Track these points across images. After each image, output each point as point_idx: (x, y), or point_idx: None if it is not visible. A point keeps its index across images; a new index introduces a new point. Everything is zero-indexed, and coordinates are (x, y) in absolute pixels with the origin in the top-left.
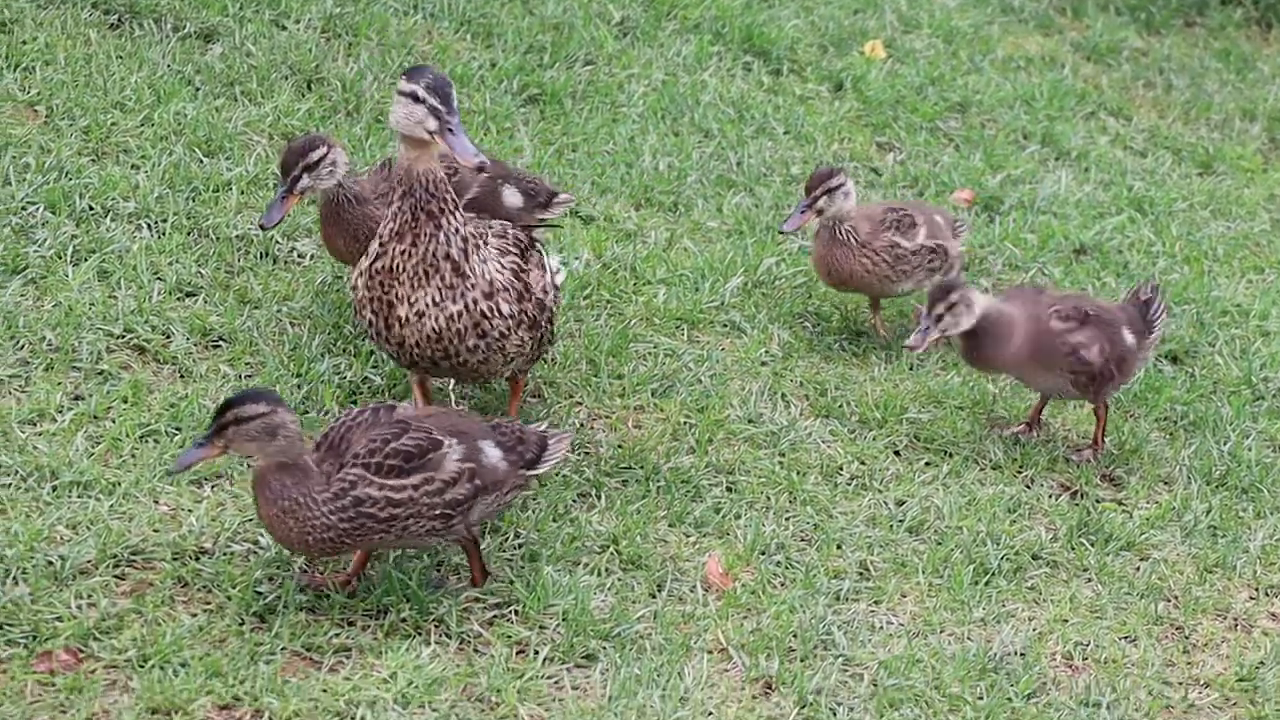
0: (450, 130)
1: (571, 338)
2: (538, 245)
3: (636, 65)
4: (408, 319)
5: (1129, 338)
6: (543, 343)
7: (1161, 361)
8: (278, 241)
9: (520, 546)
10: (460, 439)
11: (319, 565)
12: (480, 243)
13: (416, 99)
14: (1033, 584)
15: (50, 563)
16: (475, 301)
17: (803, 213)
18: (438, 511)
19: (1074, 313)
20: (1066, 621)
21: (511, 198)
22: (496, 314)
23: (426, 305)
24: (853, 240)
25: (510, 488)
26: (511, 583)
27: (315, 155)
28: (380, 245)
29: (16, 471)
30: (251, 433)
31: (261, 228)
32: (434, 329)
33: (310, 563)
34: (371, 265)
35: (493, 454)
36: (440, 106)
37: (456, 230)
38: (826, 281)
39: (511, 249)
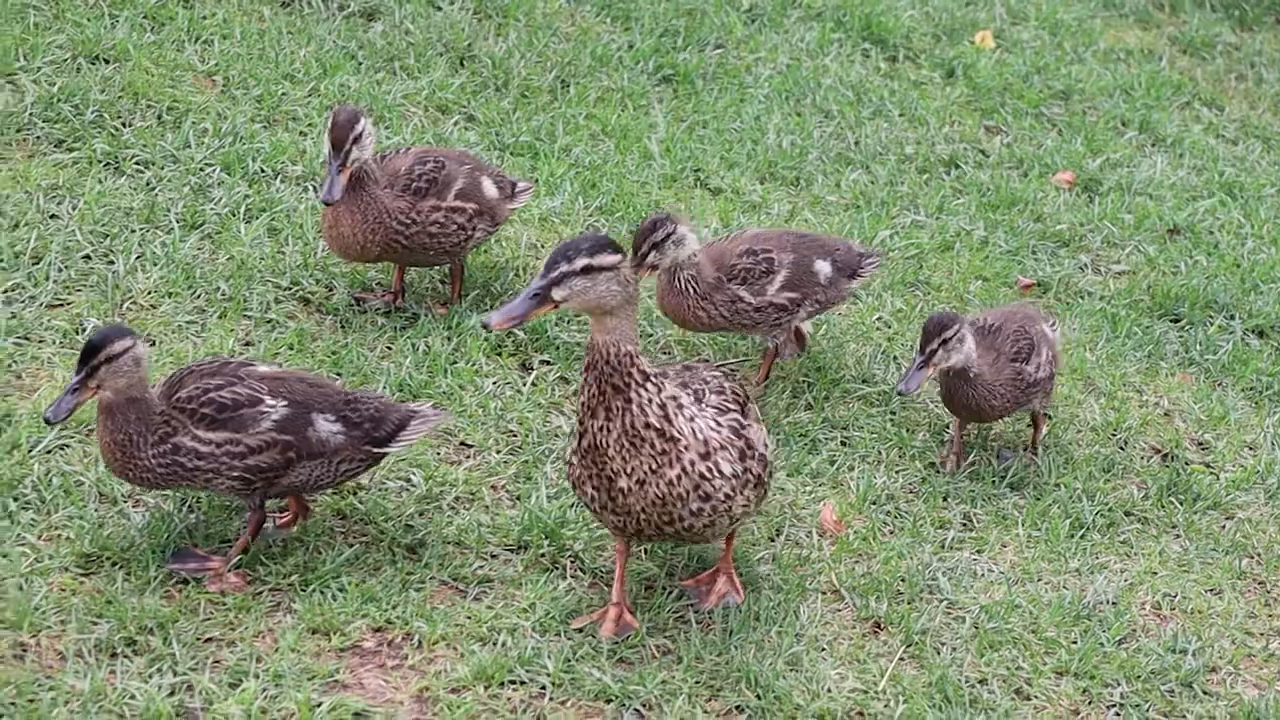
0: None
1: None
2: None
3: (763, 49)
4: (630, 489)
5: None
6: (764, 499)
7: (1249, 335)
8: None
9: None
10: (291, 405)
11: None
12: (684, 401)
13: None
14: (1124, 538)
15: None
16: (693, 463)
17: (636, 268)
18: (236, 474)
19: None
20: (1155, 574)
21: (489, 188)
22: (717, 474)
23: (645, 473)
24: (691, 290)
25: (345, 459)
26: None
27: (360, 128)
28: (580, 424)
29: None
30: (122, 368)
31: (325, 203)
32: (657, 495)
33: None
34: (579, 445)
35: (326, 426)
36: (546, 270)
37: (650, 400)
38: (675, 324)
39: (731, 405)
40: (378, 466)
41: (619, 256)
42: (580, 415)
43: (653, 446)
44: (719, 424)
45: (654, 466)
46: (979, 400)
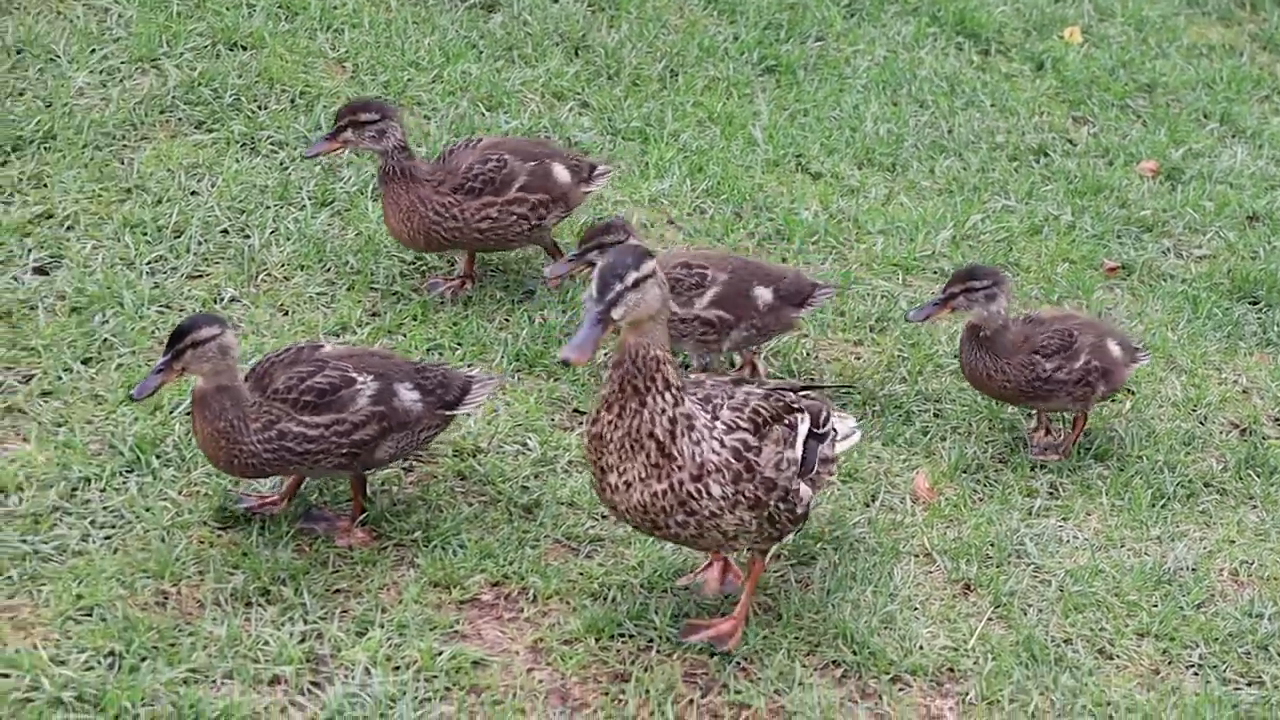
0: (584, 317)
1: None
2: (795, 417)
3: (861, 42)
4: (617, 487)
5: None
6: (778, 521)
7: None
8: None
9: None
10: (377, 379)
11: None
12: (696, 423)
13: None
14: (1204, 508)
15: None
16: (681, 483)
17: (570, 262)
18: (344, 450)
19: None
20: (1234, 542)
21: (561, 174)
22: (705, 495)
23: (634, 478)
24: None
25: (426, 428)
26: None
27: (365, 115)
28: (595, 410)
29: None
30: (207, 354)
31: (305, 156)
32: (640, 502)
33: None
34: (589, 429)
35: (407, 395)
36: (594, 293)
37: (664, 410)
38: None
39: (744, 424)
40: (444, 431)
41: (654, 261)
42: (597, 404)
43: (648, 456)
44: (722, 444)
45: (643, 475)
46: (985, 368)
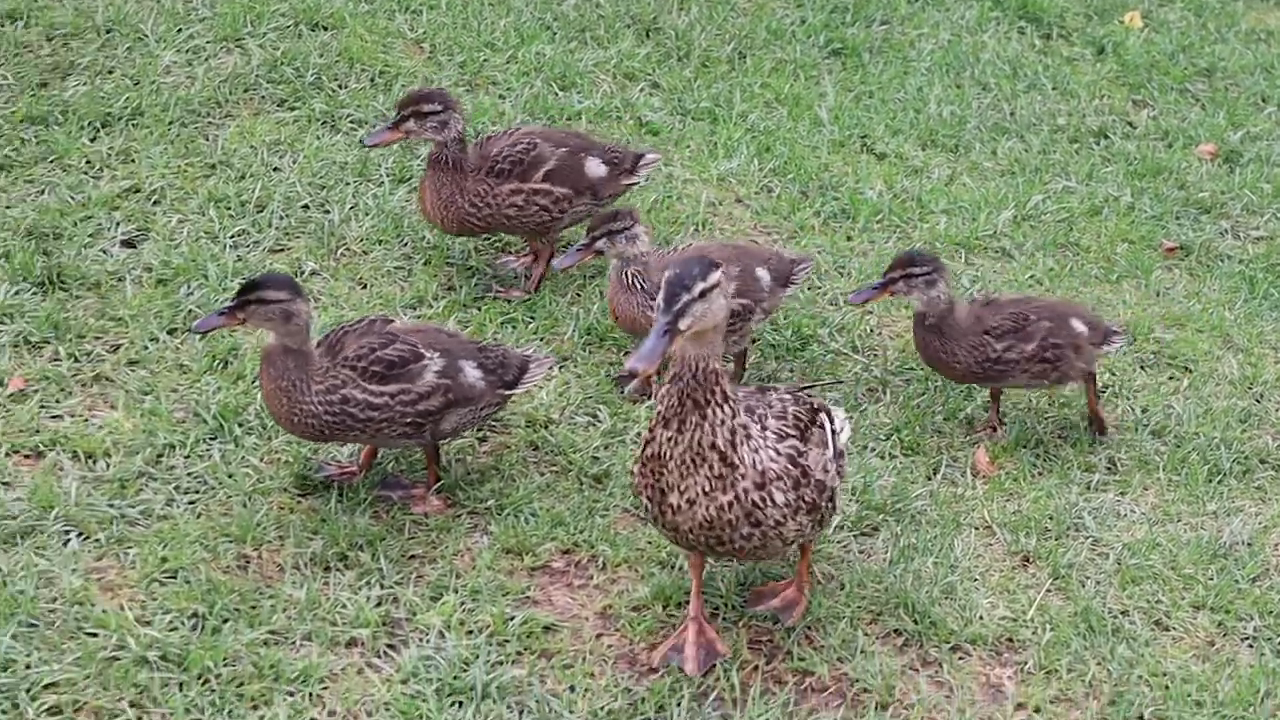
0: (652, 329)
1: (864, 255)
2: (820, 416)
3: (925, 26)
4: (679, 506)
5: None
6: (825, 521)
7: None
8: None
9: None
10: (444, 354)
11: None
12: (752, 432)
13: (660, 285)
14: (1259, 484)
15: None
16: (746, 492)
17: (579, 250)
18: (409, 419)
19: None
20: None
21: (595, 168)
22: (770, 503)
23: (697, 494)
24: (638, 286)
25: (486, 404)
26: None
27: (428, 106)
28: (650, 431)
29: None
30: (269, 314)
31: (362, 143)
32: (705, 518)
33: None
34: (643, 453)
35: (471, 372)
36: (662, 303)
37: (724, 421)
38: (615, 321)
39: (791, 431)
40: (502, 409)
41: (720, 270)
42: (652, 423)
43: (711, 469)
44: (778, 452)
45: (707, 489)
46: (937, 350)
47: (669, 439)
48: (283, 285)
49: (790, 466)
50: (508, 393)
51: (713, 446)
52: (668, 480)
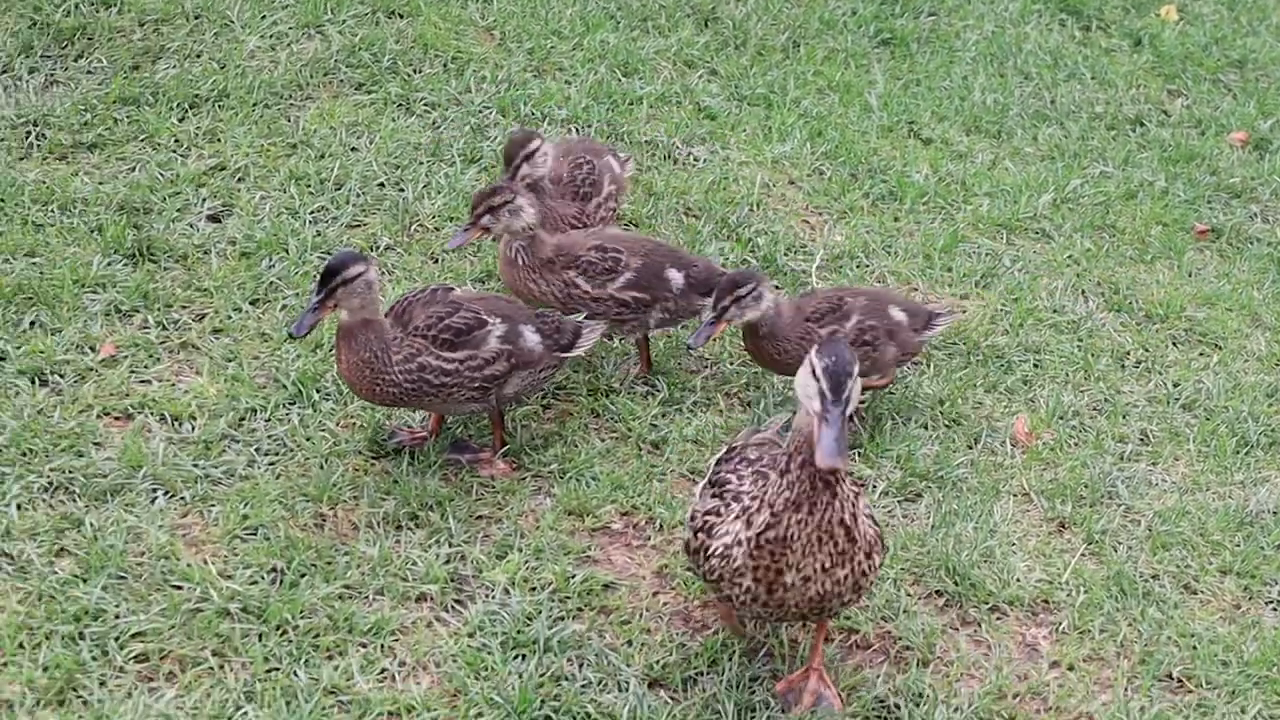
0: (827, 420)
1: (910, 235)
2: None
3: (971, 17)
4: (793, 584)
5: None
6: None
7: None
8: (677, 146)
9: (864, 404)
10: (505, 321)
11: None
12: (860, 503)
13: (814, 375)
14: None
15: None
16: (859, 563)
17: (465, 230)
18: (477, 384)
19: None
20: None
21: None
22: (872, 570)
23: (814, 571)
24: (520, 260)
25: (544, 367)
26: (856, 432)
27: (532, 147)
28: (773, 514)
29: None
30: (356, 289)
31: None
32: (818, 593)
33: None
34: (761, 535)
35: (531, 337)
36: (829, 393)
37: (849, 496)
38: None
39: (858, 488)
40: (559, 371)
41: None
42: (776, 509)
43: (835, 544)
44: (868, 516)
45: (827, 565)
46: (771, 350)
47: (799, 521)
48: (356, 259)
49: (873, 526)
50: (564, 355)
51: (840, 523)
52: (788, 560)
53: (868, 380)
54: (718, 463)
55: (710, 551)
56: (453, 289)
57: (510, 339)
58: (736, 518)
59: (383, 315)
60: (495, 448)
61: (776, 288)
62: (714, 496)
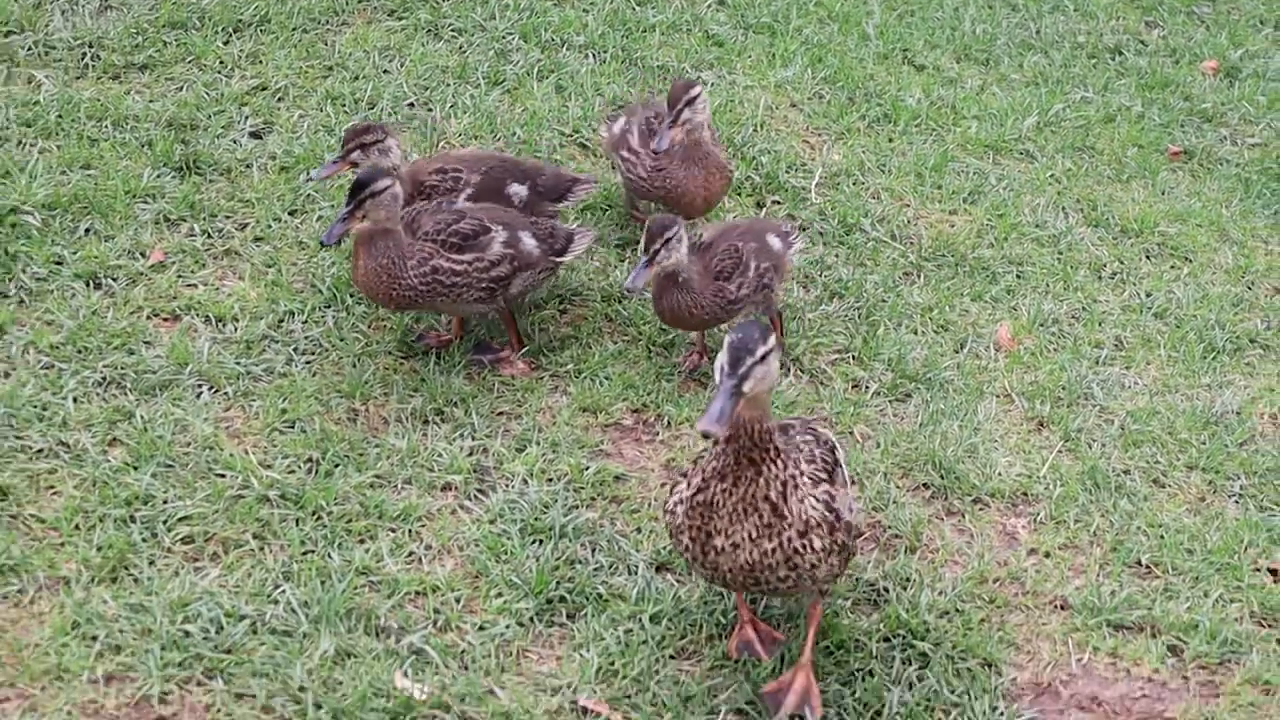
0: (719, 390)
1: (903, 155)
2: (838, 453)
3: None
4: (723, 549)
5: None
6: (851, 559)
7: None
8: (689, 72)
9: (859, 309)
10: (506, 227)
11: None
12: (799, 482)
13: (723, 348)
14: (1249, 361)
15: None
16: (790, 540)
17: (334, 164)
18: (484, 284)
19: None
20: (1273, 390)
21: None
22: (809, 549)
23: (742, 539)
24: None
25: (542, 269)
26: (851, 336)
27: (694, 93)
28: (703, 480)
29: None
30: (383, 202)
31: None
32: (747, 561)
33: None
34: (693, 497)
35: (529, 241)
36: (726, 366)
37: (776, 476)
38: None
39: (822, 475)
40: (555, 275)
41: (774, 336)
42: (705, 475)
43: (760, 518)
44: (816, 500)
45: (753, 535)
46: (685, 306)
47: (723, 490)
48: (382, 173)
49: (826, 512)
50: (558, 259)
51: (765, 499)
52: (715, 525)
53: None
54: None
55: (667, 506)
56: (455, 201)
57: (512, 243)
58: (689, 480)
59: (399, 225)
60: (514, 347)
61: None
62: (692, 462)
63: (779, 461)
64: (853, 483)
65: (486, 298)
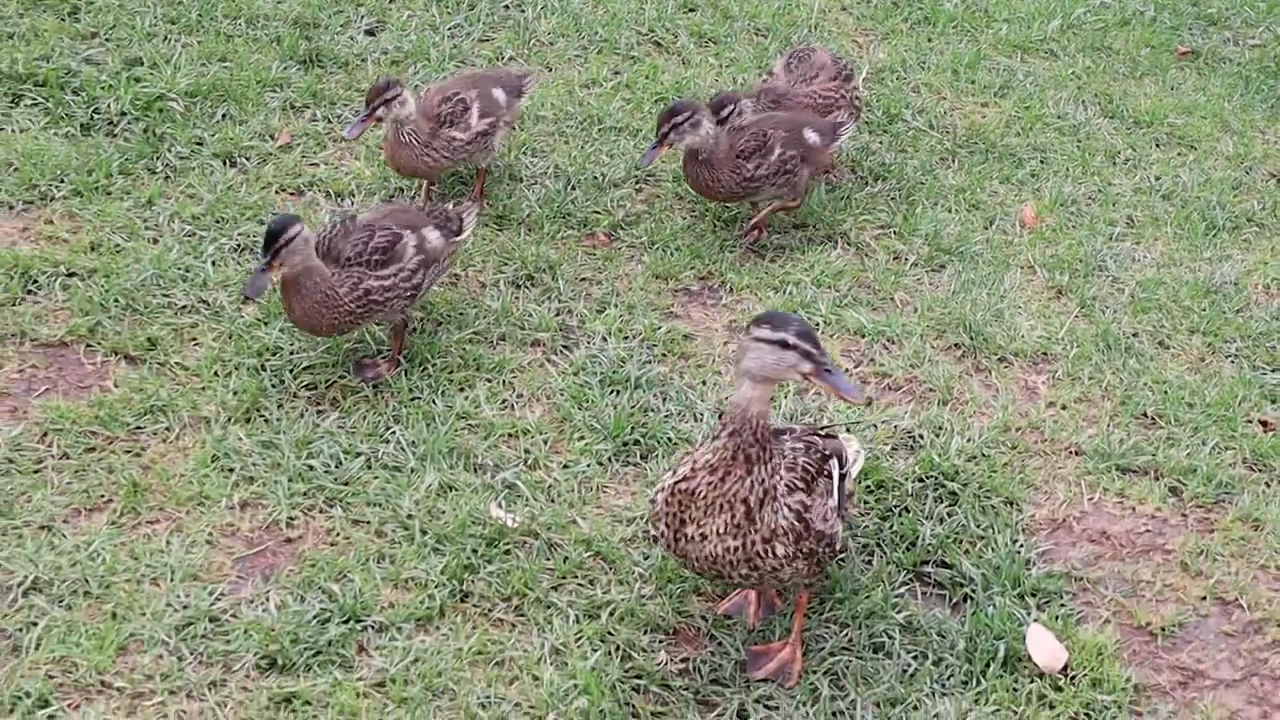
0: (829, 370)
1: (941, 54)
2: (829, 464)
3: None
4: (692, 538)
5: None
6: (823, 565)
7: None
8: None
9: (900, 190)
10: (412, 230)
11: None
12: (777, 494)
13: (785, 345)
14: (1246, 238)
15: (595, 178)
16: (753, 543)
17: (363, 121)
18: (409, 293)
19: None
20: (1267, 264)
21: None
22: (770, 555)
23: (710, 532)
24: (415, 141)
25: (446, 256)
26: (892, 214)
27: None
28: (692, 470)
29: (576, 118)
30: (297, 247)
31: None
32: (710, 554)
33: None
34: (676, 484)
35: (433, 236)
36: (814, 351)
37: (762, 480)
38: (395, 171)
39: (799, 484)
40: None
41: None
42: (696, 465)
43: (732, 516)
44: (788, 509)
45: (721, 531)
46: (706, 179)
47: (710, 483)
48: (291, 221)
49: (795, 522)
50: (457, 239)
51: (743, 500)
52: (690, 514)
53: (783, 203)
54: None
55: (651, 495)
56: (354, 215)
57: (421, 245)
58: (676, 469)
59: (316, 259)
60: (394, 359)
61: (720, 121)
62: (684, 454)
63: (769, 467)
64: (850, 495)
65: (411, 302)
